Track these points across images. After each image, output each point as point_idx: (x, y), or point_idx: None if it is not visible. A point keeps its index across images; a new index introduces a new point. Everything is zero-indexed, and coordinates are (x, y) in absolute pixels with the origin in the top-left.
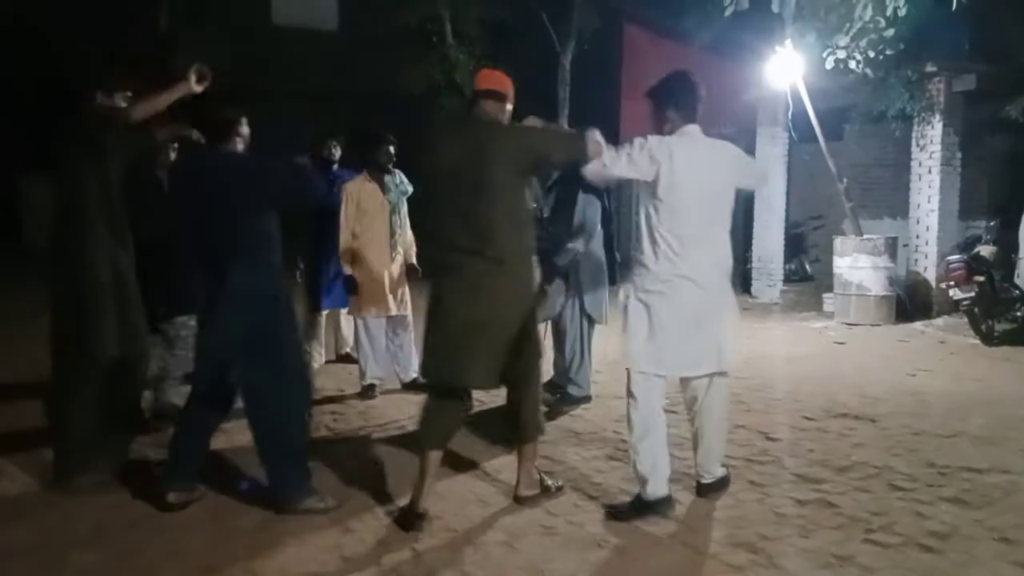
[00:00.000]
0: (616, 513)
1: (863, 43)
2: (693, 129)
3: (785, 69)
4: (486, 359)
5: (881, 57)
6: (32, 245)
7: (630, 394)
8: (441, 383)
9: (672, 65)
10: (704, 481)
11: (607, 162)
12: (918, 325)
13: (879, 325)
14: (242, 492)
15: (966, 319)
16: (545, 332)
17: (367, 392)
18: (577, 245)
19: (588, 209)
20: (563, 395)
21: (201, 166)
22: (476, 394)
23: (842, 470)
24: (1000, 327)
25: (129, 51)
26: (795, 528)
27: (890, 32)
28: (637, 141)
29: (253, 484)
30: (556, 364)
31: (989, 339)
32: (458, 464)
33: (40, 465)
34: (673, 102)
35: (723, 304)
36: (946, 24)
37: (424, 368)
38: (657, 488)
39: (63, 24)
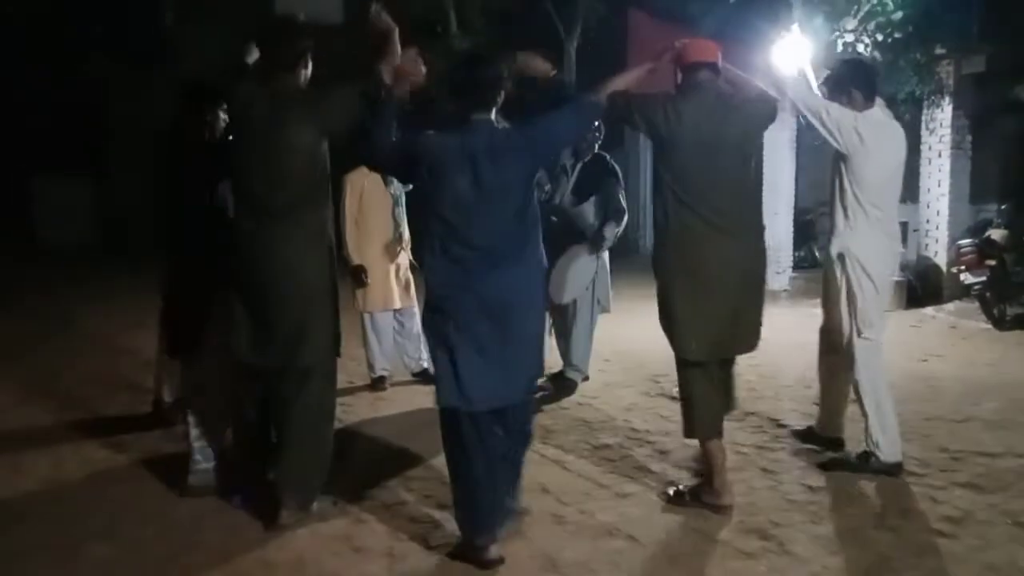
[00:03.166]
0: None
1: (871, 26)
2: (876, 110)
3: (793, 53)
4: (744, 328)
5: (890, 40)
6: (45, 243)
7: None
8: (711, 358)
9: None
10: None
11: (813, 105)
12: (929, 310)
13: (889, 311)
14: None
15: (977, 304)
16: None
17: (377, 384)
18: (618, 228)
19: (619, 191)
20: (565, 381)
21: (468, 140)
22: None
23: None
24: (1012, 311)
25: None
26: (807, 514)
27: (898, 15)
28: (842, 108)
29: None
30: (560, 350)
31: (1001, 323)
32: None
33: (53, 460)
34: (858, 82)
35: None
36: (955, 6)
37: (688, 348)
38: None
39: (70, 23)
